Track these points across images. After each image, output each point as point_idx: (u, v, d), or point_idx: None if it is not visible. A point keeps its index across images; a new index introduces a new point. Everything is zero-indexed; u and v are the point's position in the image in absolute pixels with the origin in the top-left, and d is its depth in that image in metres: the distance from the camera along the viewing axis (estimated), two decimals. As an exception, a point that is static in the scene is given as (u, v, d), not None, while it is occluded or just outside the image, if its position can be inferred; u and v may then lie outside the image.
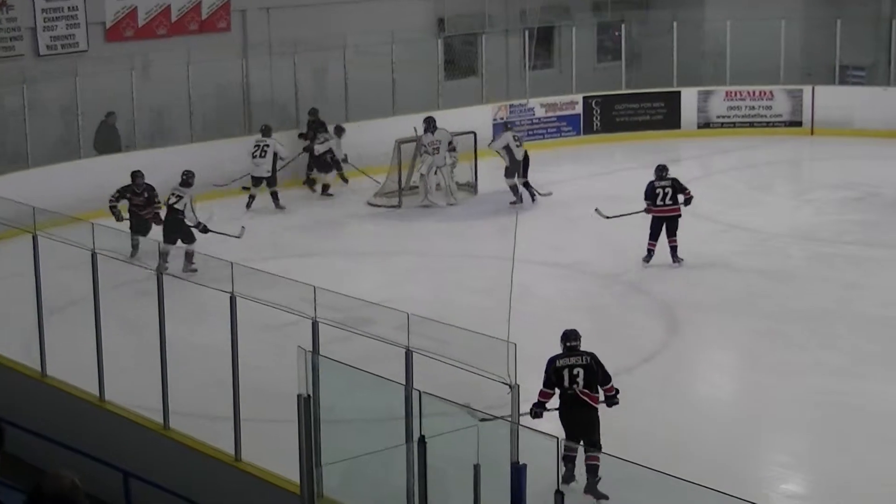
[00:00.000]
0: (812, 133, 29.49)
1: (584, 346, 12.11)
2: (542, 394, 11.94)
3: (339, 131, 24.84)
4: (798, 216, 22.60)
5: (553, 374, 11.90)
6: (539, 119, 28.61)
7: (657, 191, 19.20)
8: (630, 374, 14.79)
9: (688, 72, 30.43)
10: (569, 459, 11.39)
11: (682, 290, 18.14)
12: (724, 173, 25.11)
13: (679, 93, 29.94)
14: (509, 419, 11.36)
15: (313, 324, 10.76)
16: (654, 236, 19.29)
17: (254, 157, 23.35)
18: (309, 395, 10.39)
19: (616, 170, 25.86)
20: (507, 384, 9.37)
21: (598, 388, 11.95)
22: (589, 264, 19.60)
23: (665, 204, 19.15)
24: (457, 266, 19.97)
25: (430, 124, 23.71)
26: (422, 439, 9.59)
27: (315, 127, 24.89)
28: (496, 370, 9.32)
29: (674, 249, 19.18)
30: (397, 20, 27.96)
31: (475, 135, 24.51)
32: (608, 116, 29.36)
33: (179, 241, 19.15)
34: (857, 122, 29.08)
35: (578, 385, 11.84)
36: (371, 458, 10.31)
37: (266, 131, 23.62)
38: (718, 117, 29.94)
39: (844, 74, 31.15)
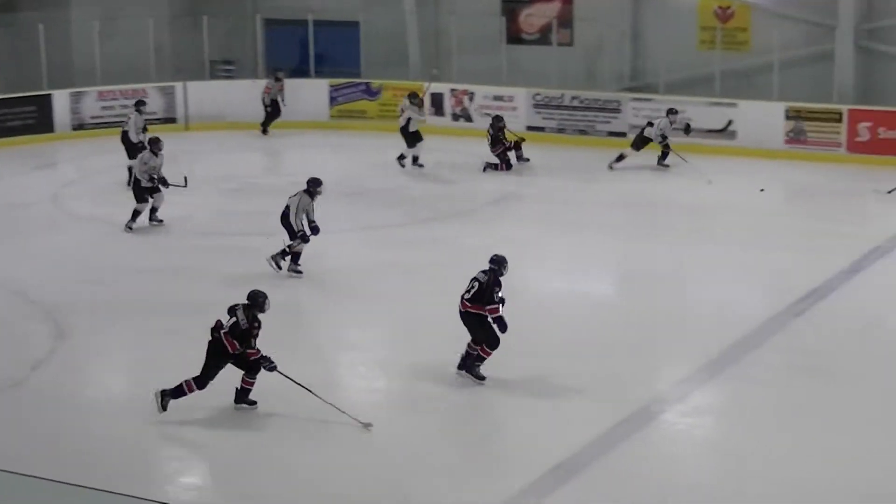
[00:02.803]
0: (187, 128, 29.90)
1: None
2: None
3: None
4: (181, 210, 22.71)
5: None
6: None
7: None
8: (20, 387, 14.46)
9: (58, 74, 29.96)
10: (467, 354, 14.49)
11: (72, 295, 17.81)
12: (102, 174, 24.89)
13: (50, 95, 29.43)
14: None
15: None
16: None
17: None
18: None
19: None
20: None
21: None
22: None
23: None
24: None
25: None
26: None
27: None
28: None
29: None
30: None
31: None
32: (-22, 123, 28.46)
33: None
34: (230, 115, 29.77)
35: (468, 294, 14.26)
36: None
37: None
38: (93, 118, 29.70)
39: (214, 70, 31.80)
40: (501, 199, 23.71)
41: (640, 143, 25.60)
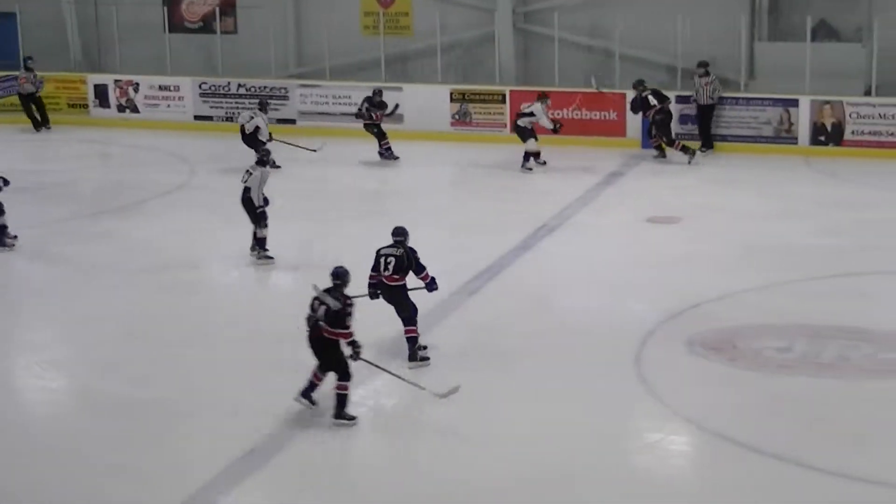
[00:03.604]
0: None
1: None
2: (370, 276, 14.54)
3: None
4: None
5: (375, 261, 14.47)
6: None
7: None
8: None
9: None
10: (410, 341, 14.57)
11: None
12: None
13: None
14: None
15: None
16: None
17: None
18: None
19: None
20: None
21: (412, 274, 14.45)
22: None
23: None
24: None
25: None
26: None
27: None
28: None
29: None
30: None
31: None
32: None
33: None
34: None
35: (389, 271, 14.32)
36: None
37: None
38: None
39: None
40: (172, 190, 23.38)
41: (527, 133, 24.78)
